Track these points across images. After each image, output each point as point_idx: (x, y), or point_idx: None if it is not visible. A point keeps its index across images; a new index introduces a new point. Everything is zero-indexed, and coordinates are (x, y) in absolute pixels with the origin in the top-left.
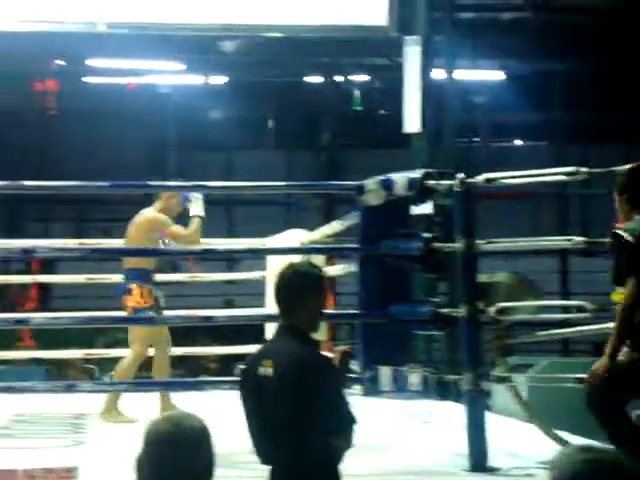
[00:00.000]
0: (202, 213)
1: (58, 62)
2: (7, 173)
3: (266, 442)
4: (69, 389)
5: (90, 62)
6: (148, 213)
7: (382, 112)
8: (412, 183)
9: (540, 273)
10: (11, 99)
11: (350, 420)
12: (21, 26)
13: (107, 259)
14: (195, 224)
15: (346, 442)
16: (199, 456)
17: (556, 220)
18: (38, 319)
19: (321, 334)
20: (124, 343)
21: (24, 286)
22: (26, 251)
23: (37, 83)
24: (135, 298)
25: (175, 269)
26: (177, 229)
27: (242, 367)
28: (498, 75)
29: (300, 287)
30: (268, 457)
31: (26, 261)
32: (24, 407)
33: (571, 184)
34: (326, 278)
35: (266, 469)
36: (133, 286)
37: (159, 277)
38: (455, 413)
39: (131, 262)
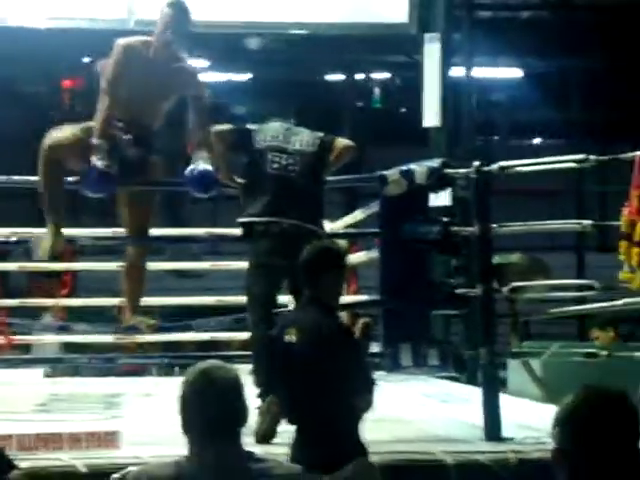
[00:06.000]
0: None
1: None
2: None
3: (292, 403)
4: None
5: None
6: None
7: (402, 109)
8: (431, 172)
9: (556, 269)
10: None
11: (370, 383)
12: (52, 23)
13: None
14: None
15: (367, 403)
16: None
17: (572, 218)
18: None
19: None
20: None
21: None
22: None
23: (66, 80)
24: None
25: None
26: None
27: (270, 334)
28: (516, 73)
29: (323, 261)
30: (294, 417)
31: None
32: None
33: (588, 181)
34: (345, 255)
35: (292, 429)
36: None
37: None
38: (473, 395)
39: None
